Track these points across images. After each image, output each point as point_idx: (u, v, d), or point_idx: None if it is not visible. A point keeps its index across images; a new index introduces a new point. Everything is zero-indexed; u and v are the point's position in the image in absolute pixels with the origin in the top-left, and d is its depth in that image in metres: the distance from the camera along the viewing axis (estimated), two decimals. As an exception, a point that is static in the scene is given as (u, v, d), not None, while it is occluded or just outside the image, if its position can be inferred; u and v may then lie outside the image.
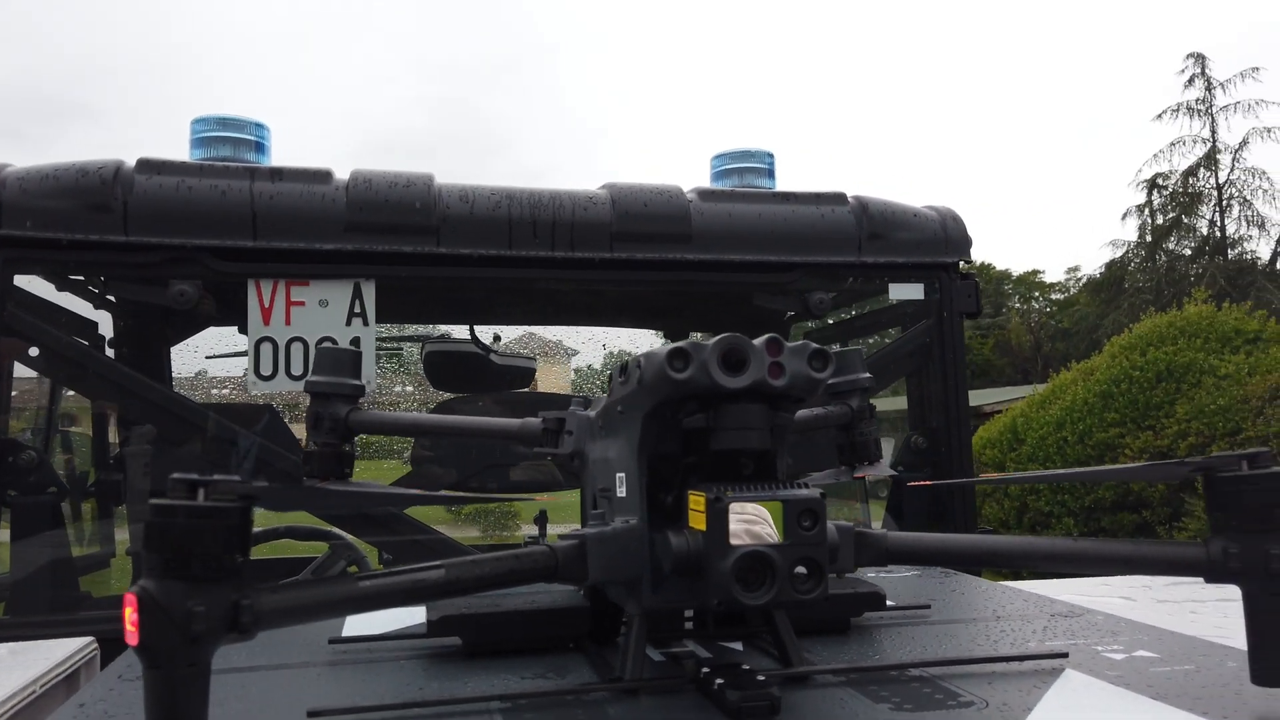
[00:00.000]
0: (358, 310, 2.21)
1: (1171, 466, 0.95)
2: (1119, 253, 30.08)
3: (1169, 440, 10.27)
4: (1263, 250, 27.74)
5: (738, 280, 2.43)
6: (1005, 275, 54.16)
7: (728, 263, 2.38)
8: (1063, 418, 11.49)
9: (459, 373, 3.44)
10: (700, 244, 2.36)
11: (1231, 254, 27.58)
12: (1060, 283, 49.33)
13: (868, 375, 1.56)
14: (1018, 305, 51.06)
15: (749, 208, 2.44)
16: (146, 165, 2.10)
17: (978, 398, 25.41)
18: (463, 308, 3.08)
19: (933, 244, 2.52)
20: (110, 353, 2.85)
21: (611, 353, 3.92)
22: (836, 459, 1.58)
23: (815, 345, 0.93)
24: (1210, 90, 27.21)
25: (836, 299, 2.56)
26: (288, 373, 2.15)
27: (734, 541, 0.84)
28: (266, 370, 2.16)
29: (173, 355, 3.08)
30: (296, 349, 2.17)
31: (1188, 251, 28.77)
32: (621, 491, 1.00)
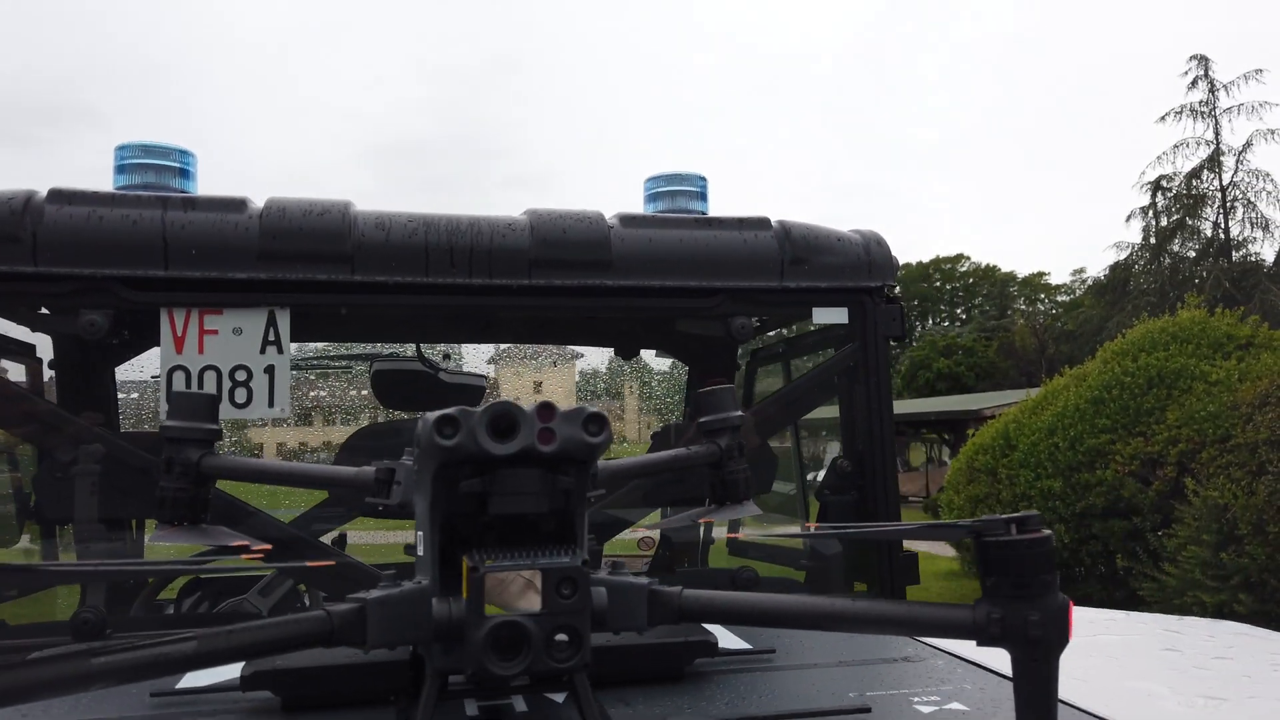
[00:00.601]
0: (272, 338, 2.21)
1: (947, 528, 0.95)
2: (1123, 254, 29.97)
3: (1159, 446, 10.24)
4: (1267, 252, 27.64)
5: (658, 305, 2.43)
6: (1011, 277, 54.08)
7: (648, 288, 2.38)
8: (1054, 423, 11.45)
9: (407, 391, 3.45)
10: (620, 270, 2.37)
11: (1236, 256, 27.46)
12: (1066, 285, 49.27)
13: (738, 414, 1.56)
14: (1023, 307, 50.98)
15: (670, 233, 2.44)
16: (57, 195, 2.11)
17: (978, 401, 25.34)
18: (388, 331, 3.09)
19: (856, 268, 2.52)
20: (49, 374, 2.88)
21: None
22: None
23: (592, 410, 0.93)
24: (1214, 92, 27.12)
25: (761, 323, 2.57)
26: None
27: (489, 610, 0.85)
28: None
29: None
30: (210, 377, 2.18)
31: (1192, 254, 28.65)
32: (420, 550, 1.00)
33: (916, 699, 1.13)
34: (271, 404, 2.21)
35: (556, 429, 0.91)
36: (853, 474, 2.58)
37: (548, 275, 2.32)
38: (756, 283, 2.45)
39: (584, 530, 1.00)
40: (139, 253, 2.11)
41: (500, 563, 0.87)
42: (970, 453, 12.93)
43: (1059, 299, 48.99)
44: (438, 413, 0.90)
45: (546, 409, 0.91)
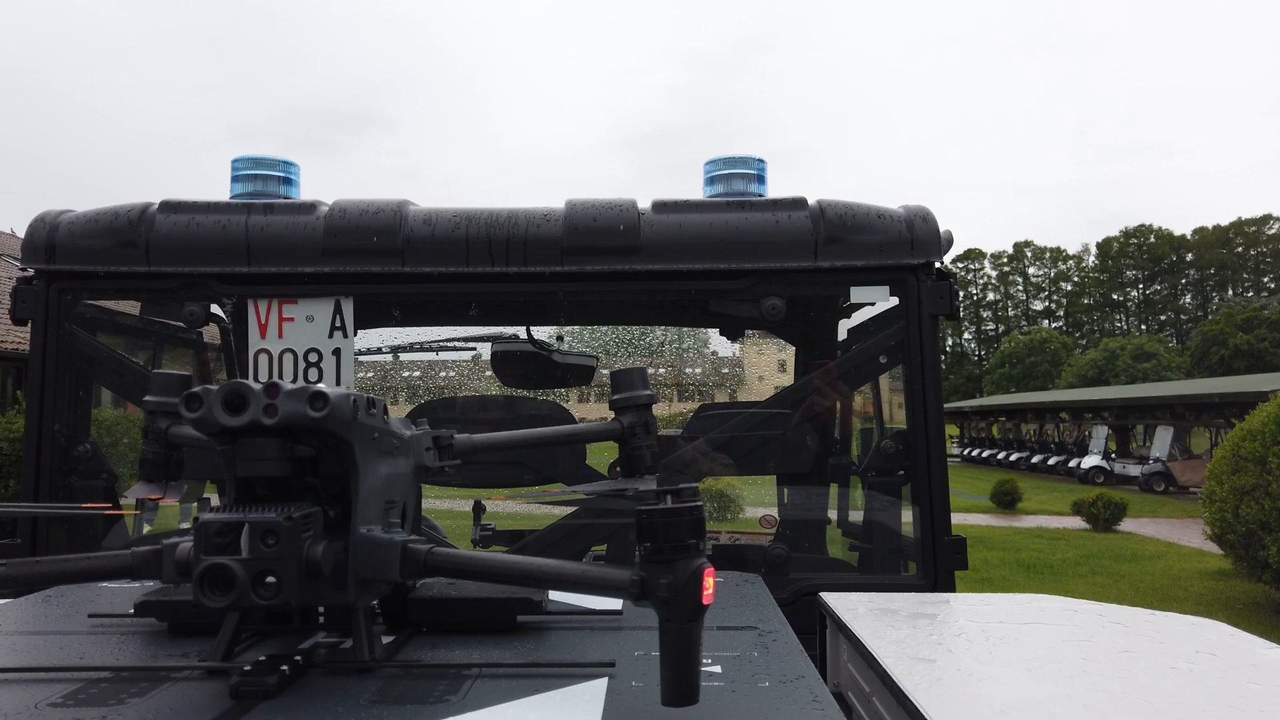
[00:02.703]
0: (338, 324, 2.51)
1: (615, 494, 1.01)
2: None
3: None
4: None
5: (686, 288, 2.49)
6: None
7: (674, 272, 2.45)
8: (1340, 407, 9.98)
9: (523, 370, 3.70)
10: (649, 254, 2.45)
11: None
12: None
13: (646, 393, 1.63)
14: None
15: (700, 217, 2.49)
16: (166, 206, 2.51)
17: (1271, 382, 22.30)
18: (442, 317, 3.32)
19: (896, 245, 2.45)
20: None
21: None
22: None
23: (316, 389, 1.07)
24: None
25: (796, 303, 2.55)
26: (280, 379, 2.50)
27: (204, 554, 1.02)
28: (264, 377, 2.52)
29: None
30: (288, 359, 2.51)
31: None
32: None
33: None
34: (338, 382, 2.51)
35: (280, 405, 1.06)
36: (897, 454, 2.52)
37: (579, 262, 2.45)
38: (788, 263, 2.45)
39: (361, 483, 1.15)
40: (228, 252, 2.47)
41: (217, 515, 1.04)
42: (1236, 439, 11.52)
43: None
44: (188, 391, 1.08)
45: (272, 388, 1.06)
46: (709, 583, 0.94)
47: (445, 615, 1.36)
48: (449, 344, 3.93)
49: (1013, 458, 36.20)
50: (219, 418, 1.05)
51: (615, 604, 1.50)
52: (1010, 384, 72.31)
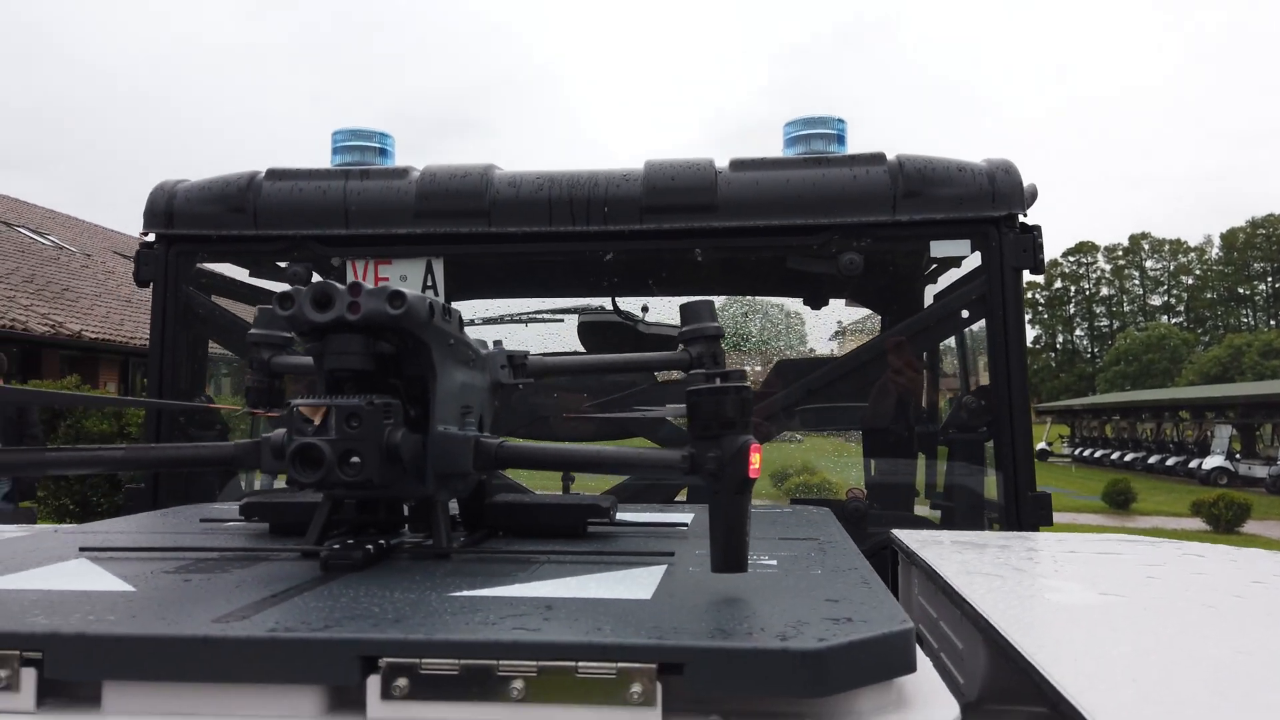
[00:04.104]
0: (430, 284, 2.63)
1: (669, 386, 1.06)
2: None
3: None
4: None
5: (763, 244, 2.52)
6: None
7: (751, 229, 2.49)
8: None
9: (608, 340, 3.78)
10: (726, 212, 2.49)
11: None
12: None
13: (715, 325, 1.67)
14: None
15: (777, 174, 2.52)
16: (272, 174, 2.67)
17: None
18: (530, 280, 3.40)
19: (978, 199, 2.42)
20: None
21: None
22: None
23: (395, 289, 1.15)
24: None
25: (874, 259, 2.54)
26: None
27: (297, 436, 1.11)
28: None
29: None
30: None
31: None
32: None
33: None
34: None
35: (363, 302, 1.14)
36: (980, 410, 2.50)
37: (658, 220, 2.51)
38: (865, 218, 2.46)
39: (438, 384, 1.23)
40: (327, 216, 2.61)
41: (308, 400, 1.13)
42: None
43: None
44: (282, 291, 1.17)
45: (355, 287, 1.15)
46: (755, 458, 0.99)
47: (519, 520, 1.44)
48: (537, 316, 4.05)
49: (1128, 458, 34.70)
50: (308, 314, 1.14)
51: (683, 518, 1.56)
52: (1125, 382, 69.31)
